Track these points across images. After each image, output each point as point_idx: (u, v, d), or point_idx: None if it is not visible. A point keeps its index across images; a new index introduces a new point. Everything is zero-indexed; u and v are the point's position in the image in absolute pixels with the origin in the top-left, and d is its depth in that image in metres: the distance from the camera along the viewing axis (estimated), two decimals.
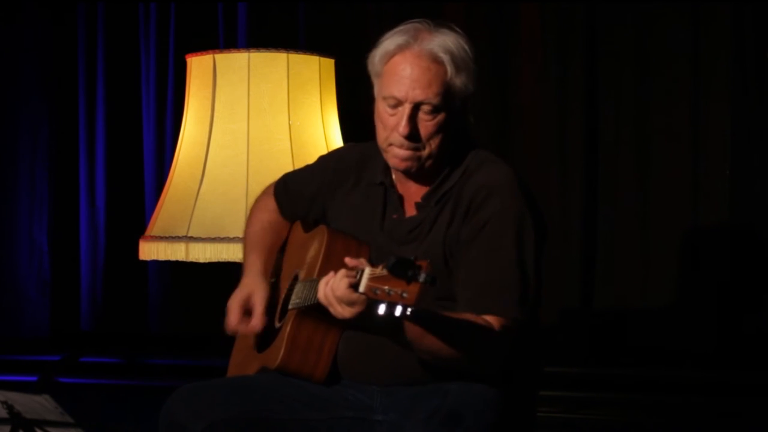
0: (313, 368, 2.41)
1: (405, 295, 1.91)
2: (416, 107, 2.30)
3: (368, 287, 1.95)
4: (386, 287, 1.93)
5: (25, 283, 5.06)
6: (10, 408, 2.47)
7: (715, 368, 4.15)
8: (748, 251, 4.15)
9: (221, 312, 2.60)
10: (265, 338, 2.56)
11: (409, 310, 1.90)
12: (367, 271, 1.97)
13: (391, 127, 2.33)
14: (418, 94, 2.29)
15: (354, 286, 2.02)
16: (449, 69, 2.29)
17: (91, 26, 4.98)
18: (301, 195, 2.65)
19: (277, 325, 2.53)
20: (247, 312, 2.56)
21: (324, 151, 3.30)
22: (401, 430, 2.26)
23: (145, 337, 4.94)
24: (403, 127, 2.30)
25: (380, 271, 1.95)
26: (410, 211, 2.41)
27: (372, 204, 2.46)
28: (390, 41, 2.33)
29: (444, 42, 2.30)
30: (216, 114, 3.36)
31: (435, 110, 2.30)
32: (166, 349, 4.89)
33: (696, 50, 4.20)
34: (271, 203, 2.72)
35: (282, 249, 2.71)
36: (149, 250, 3.35)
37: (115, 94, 4.96)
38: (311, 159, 2.76)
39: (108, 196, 4.97)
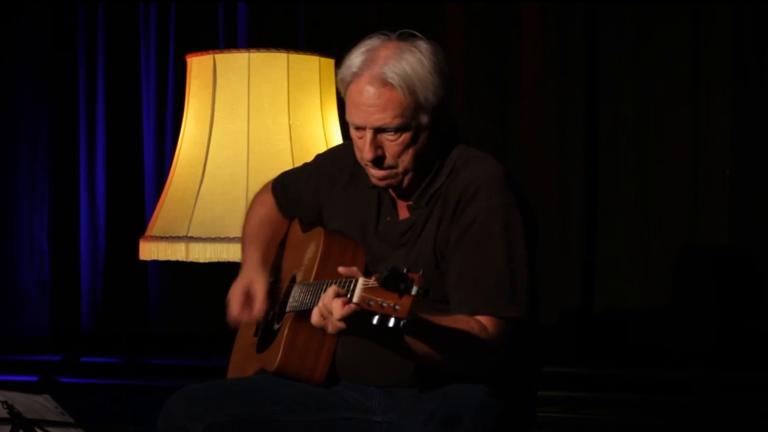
0: (311, 371, 2.41)
1: (397, 307, 1.88)
2: (378, 131, 2.29)
3: (362, 298, 1.92)
4: (379, 299, 1.90)
5: (25, 283, 5.05)
6: (10, 408, 2.47)
7: (715, 368, 4.16)
8: (747, 251, 4.15)
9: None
10: (265, 338, 2.56)
11: (402, 322, 1.87)
12: (361, 281, 1.94)
13: (360, 149, 2.34)
14: (376, 120, 2.27)
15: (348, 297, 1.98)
16: (402, 92, 2.25)
17: (91, 26, 4.98)
18: (297, 194, 2.65)
19: (276, 326, 2.53)
20: (248, 301, 2.55)
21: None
22: (400, 431, 2.26)
23: (145, 337, 4.94)
24: (366, 152, 2.30)
25: (373, 282, 1.92)
26: (403, 213, 2.41)
27: (366, 206, 2.46)
28: (345, 67, 2.31)
29: (395, 64, 2.26)
30: (216, 114, 3.36)
31: (397, 132, 2.28)
32: (166, 349, 4.89)
33: (696, 50, 4.20)
34: (269, 199, 2.72)
35: (282, 244, 2.71)
36: (149, 250, 3.34)
37: (115, 94, 4.96)
38: (311, 159, 2.75)
39: (108, 196, 4.97)
